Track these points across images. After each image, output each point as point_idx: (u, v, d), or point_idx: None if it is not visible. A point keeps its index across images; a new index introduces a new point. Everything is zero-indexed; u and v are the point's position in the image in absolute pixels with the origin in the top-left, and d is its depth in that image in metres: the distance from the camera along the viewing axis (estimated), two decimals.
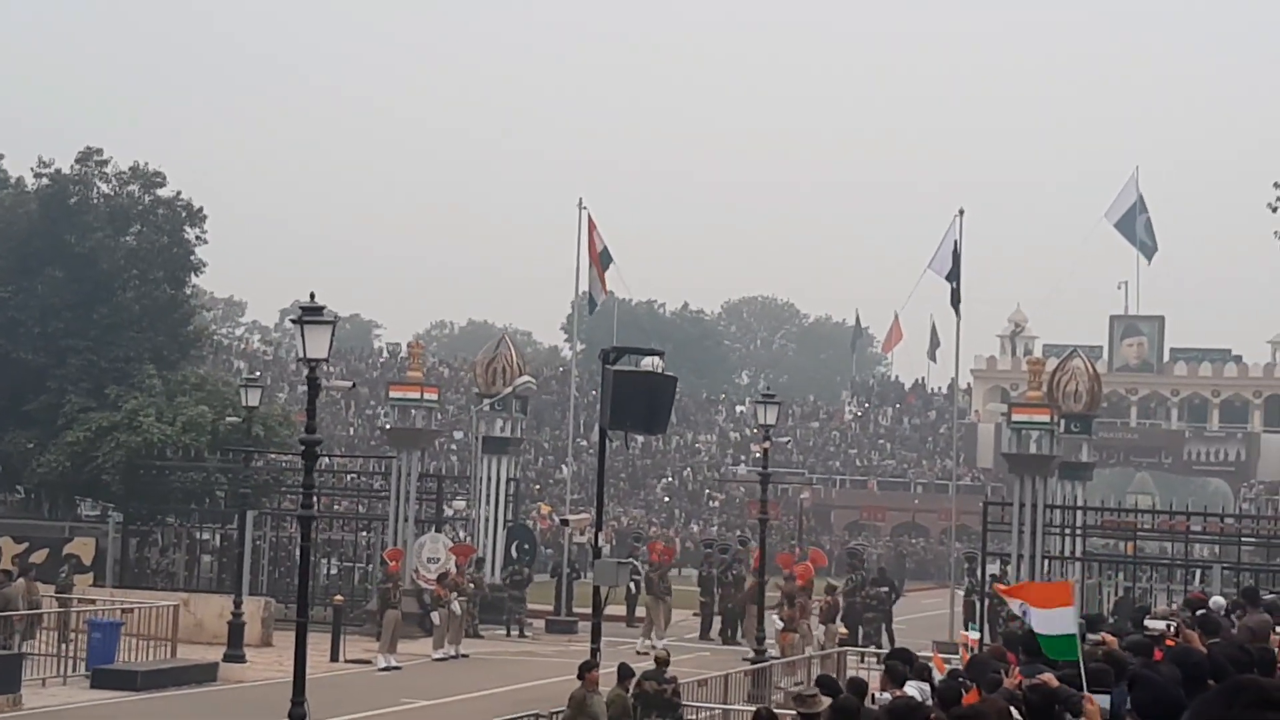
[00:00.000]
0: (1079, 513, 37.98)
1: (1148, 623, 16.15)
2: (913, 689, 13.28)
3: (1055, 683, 10.70)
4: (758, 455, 35.53)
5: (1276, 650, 12.37)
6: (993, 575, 37.91)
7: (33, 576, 34.23)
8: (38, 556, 39.46)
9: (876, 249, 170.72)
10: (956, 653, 25.65)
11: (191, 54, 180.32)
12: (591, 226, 45.26)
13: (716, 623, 41.59)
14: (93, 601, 34.24)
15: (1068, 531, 37.48)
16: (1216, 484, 79.38)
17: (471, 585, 38.17)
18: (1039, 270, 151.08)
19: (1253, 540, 41.47)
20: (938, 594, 49.89)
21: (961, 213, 41.28)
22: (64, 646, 30.51)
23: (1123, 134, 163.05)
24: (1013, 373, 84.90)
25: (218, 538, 43.45)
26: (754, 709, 14.27)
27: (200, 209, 49.52)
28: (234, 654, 31.89)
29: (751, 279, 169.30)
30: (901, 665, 14.40)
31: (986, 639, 33.53)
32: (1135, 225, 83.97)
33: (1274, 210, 41.35)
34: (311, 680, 22.00)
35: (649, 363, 22.80)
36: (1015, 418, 38.01)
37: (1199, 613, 17.65)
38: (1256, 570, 36.56)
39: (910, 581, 59.89)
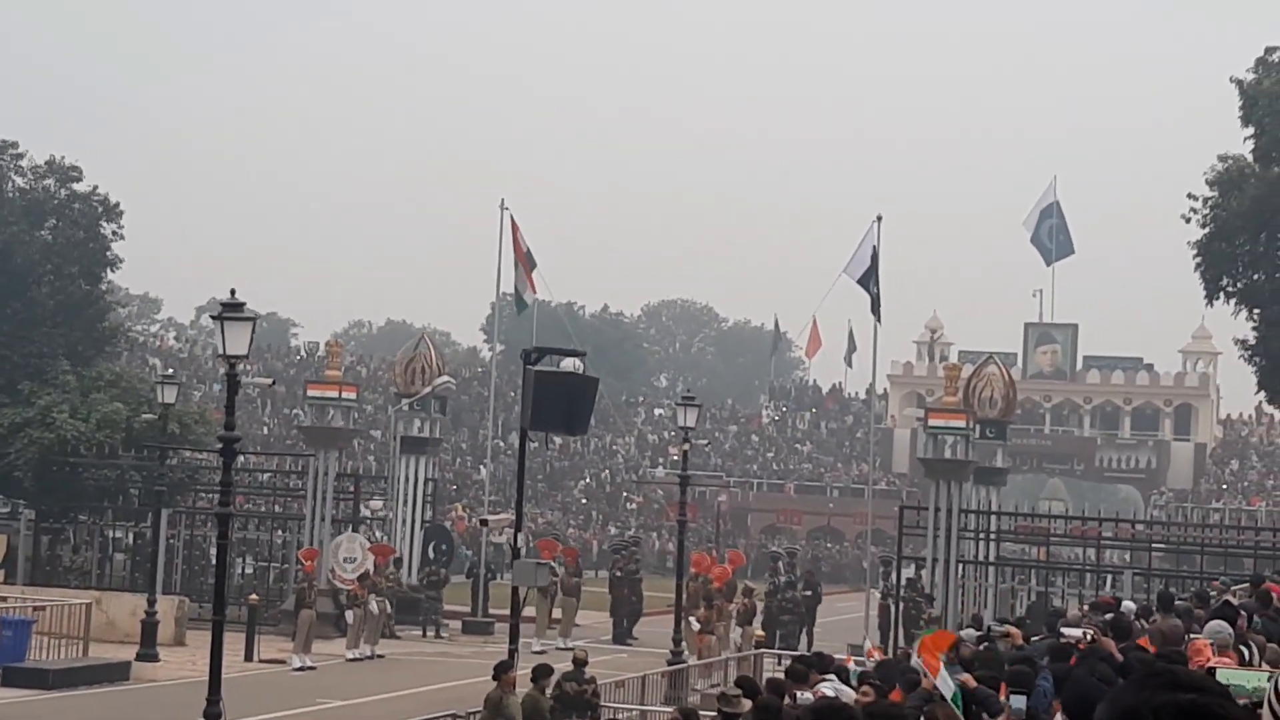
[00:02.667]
0: (993, 518, 38.38)
1: (1064, 630, 16.36)
2: (828, 689, 13.41)
3: (973, 683, 10.84)
4: (676, 458, 35.66)
5: (1189, 655, 12.59)
6: (908, 579, 38.26)
7: None
8: None
9: (796, 254, 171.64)
10: (864, 656, 25.84)
11: (108, 47, 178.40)
12: (515, 228, 45.24)
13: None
14: (3, 599, 33.77)
15: (982, 536, 37.86)
16: (1127, 491, 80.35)
17: (389, 585, 38.05)
18: (957, 277, 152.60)
19: (1162, 546, 42.09)
20: (853, 597, 50.22)
21: (879, 219, 41.57)
22: None
23: (1041, 143, 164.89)
24: (929, 379, 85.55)
25: (131, 536, 43.06)
26: (672, 709, 14.34)
27: (117, 204, 49.07)
28: (147, 653, 31.60)
29: (671, 282, 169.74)
30: (804, 666, 14.57)
31: (902, 642, 33.89)
32: (1042, 230, 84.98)
33: (1187, 221, 41.92)
34: (226, 680, 21.82)
35: (570, 364, 22.86)
36: (931, 423, 38.38)
37: (1109, 617, 17.92)
38: (1166, 576, 37.09)
39: (826, 585, 60.19)
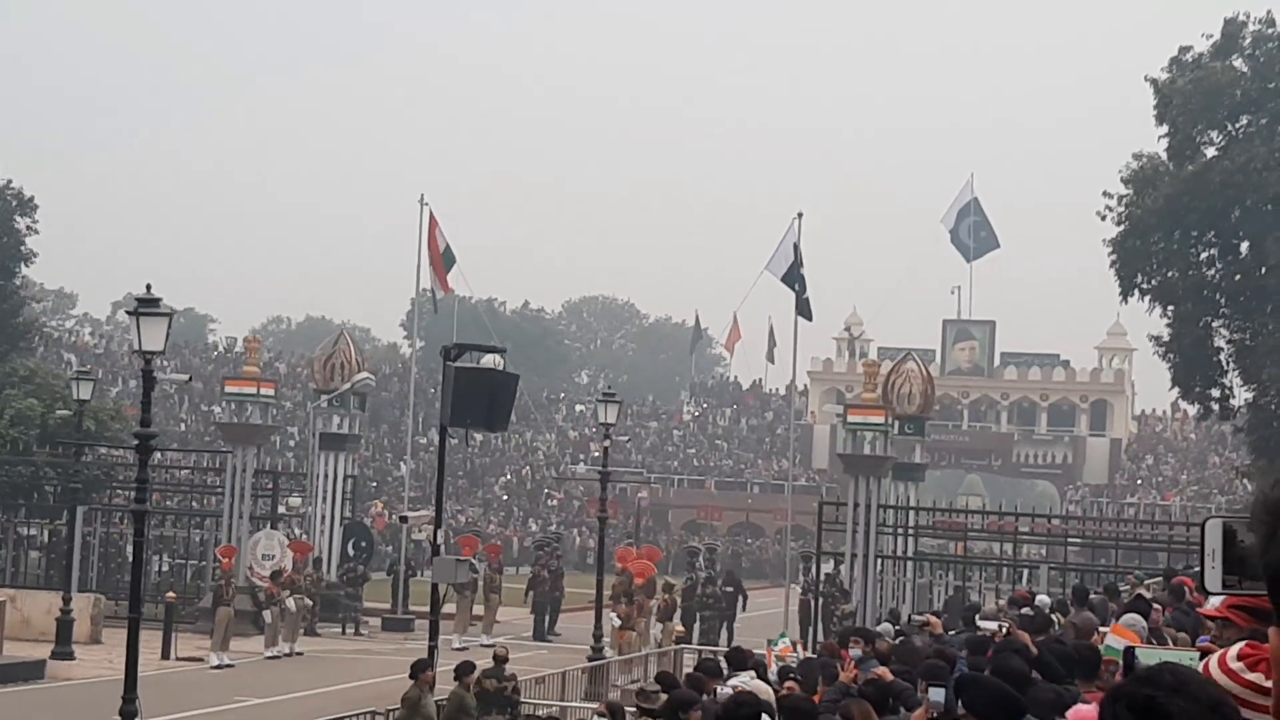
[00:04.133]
0: (911, 513, 38.67)
1: (980, 623, 16.54)
2: (744, 683, 13.47)
3: (890, 676, 10.94)
4: (597, 454, 35.70)
5: (1100, 648, 12.75)
6: (827, 574, 38.47)
7: None
8: None
9: (716, 251, 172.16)
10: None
11: (19, 35, 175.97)
12: (433, 224, 45.03)
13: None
14: None
15: (900, 531, 38.14)
16: (1044, 486, 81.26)
17: (310, 584, 37.86)
18: (876, 273, 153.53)
19: (1078, 541, 42.59)
20: (773, 593, 50.42)
21: (800, 216, 41.68)
22: None
23: (960, 139, 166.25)
24: (848, 375, 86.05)
25: (46, 533, 42.54)
26: (599, 705, 14.38)
27: (31, 198, 48.53)
28: (62, 651, 31.27)
29: (592, 279, 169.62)
30: (715, 664, 14.65)
31: (821, 636, 34.08)
32: (960, 228, 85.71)
33: (1103, 218, 42.43)
34: (143, 678, 21.66)
35: (490, 360, 22.85)
36: (850, 419, 38.62)
37: (1024, 611, 18.12)
38: (1082, 570, 37.51)
39: (746, 581, 60.35)
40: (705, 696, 13.24)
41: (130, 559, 26.81)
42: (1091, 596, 21.54)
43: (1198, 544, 2.96)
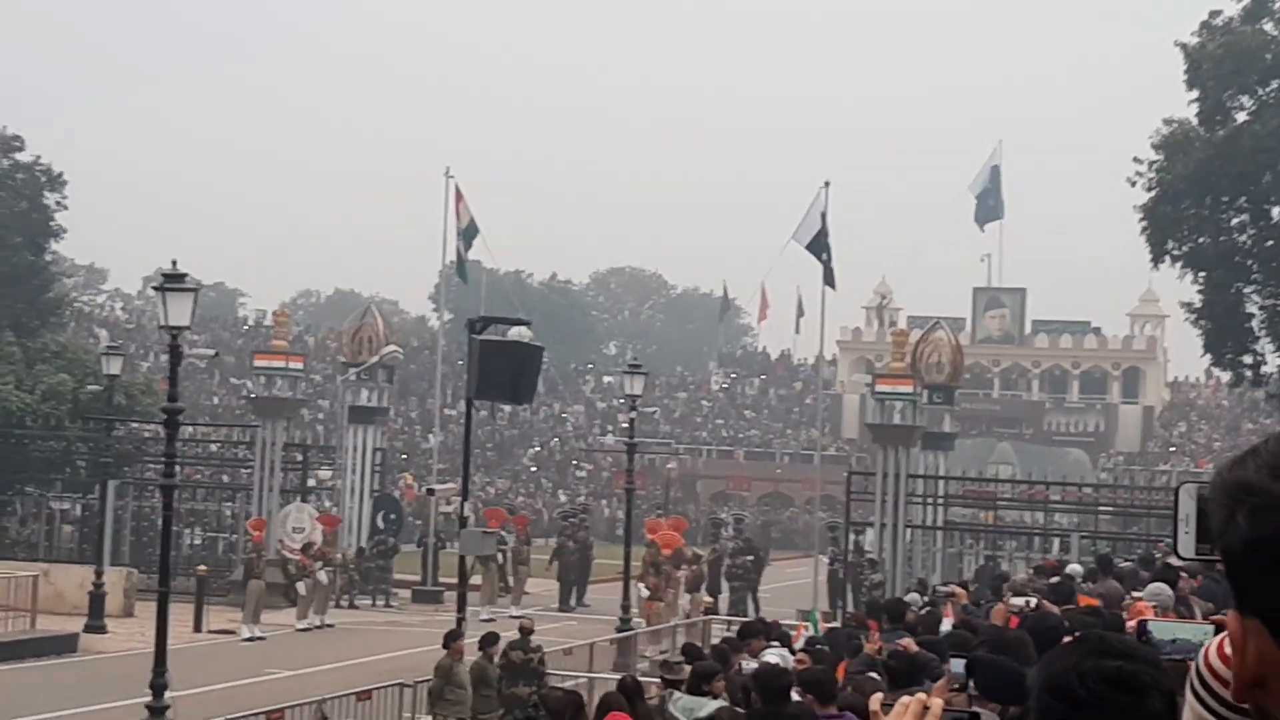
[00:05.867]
0: (941, 482, 38.58)
1: (1011, 600, 16.47)
2: (774, 655, 13.46)
3: (915, 648, 10.91)
4: (625, 425, 35.68)
5: (1125, 617, 12.70)
6: (856, 544, 38.45)
7: None
8: None
9: (745, 220, 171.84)
10: (816, 621, 25.95)
11: (46, 15, 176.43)
12: (458, 197, 45.07)
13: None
14: None
15: (930, 501, 38.06)
16: (1076, 454, 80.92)
17: (340, 556, 38.06)
18: (905, 241, 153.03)
19: (1110, 509, 42.41)
20: (803, 563, 50.39)
21: (827, 185, 41.54)
22: None
23: (990, 104, 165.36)
24: (877, 344, 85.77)
25: (79, 508, 42.80)
26: (619, 677, 14.39)
27: (60, 174, 48.71)
28: (95, 625, 31.47)
29: (620, 250, 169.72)
30: (757, 625, 14.60)
31: (850, 606, 34.05)
32: (988, 197, 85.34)
33: (1133, 184, 42.13)
34: (174, 651, 21.80)
35: (517, 332, 22.83)
36: (879, 389, 38.49)
37: (1053, 580, 18.05)
38: (1114, 539, 37.40)
39: (775, 551, 60.38)
40: (733, 670, 13.25)
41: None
42: (1121, 565, 21.47)
43: None
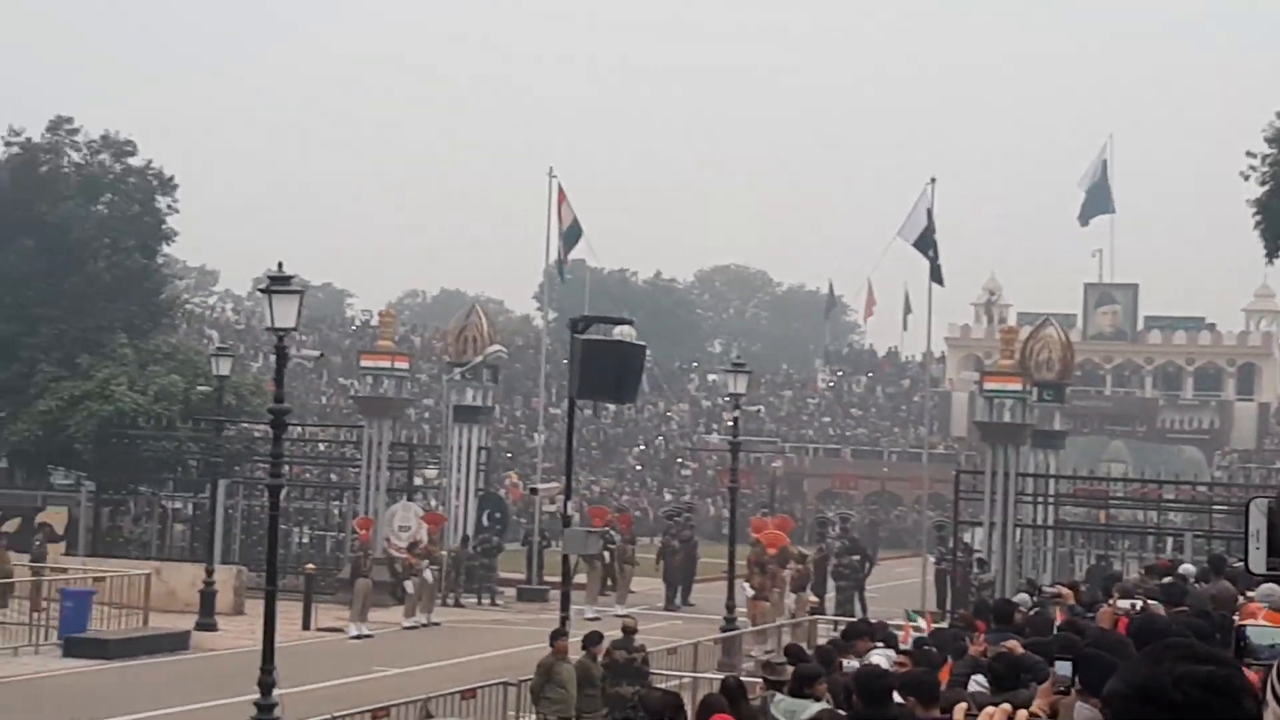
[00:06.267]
0: (1051, 481, 38.10)
1: (1117, 602, 16.17)
2: (879, 656, 13.32)
3: (1020, 649, 10.72)
4: (729, 424, 35.56)
5: (1238, 619, 12.41)
6: (964, 543, 38.07)
7: (5, 545, 34.22)
8: (10, 525, 39.48)
9: (850, 217, 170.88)
10: (923, 621, 25.73)
11: (160, 21, 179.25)
12: (561, 197, 45.18)
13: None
14: (65, 570, 34.18)
15: (1040, 500, 37.60)
16: (1190, 452, 79.61)
17: (445, 554, 38.25)
18: (1015, 237, 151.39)
19: (1225, 508, 41.64)
20: (911, 562, 50.04)
21: (933, 181, 41.17)
22: (36, 615, 30.46)
23: (1099, 99, 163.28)
24: (986, 341, 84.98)
25: (190, 506, 43.40)
26: (723, 677, 14.30)
27: (171, 178, 49.36)
28: (206, 622, 31.85)
29: (724, 248, 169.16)
30: (863, 625, 14.43)
31: (960, 607, 33.67)
32: (1097, 191, 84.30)
33: (1246, 179, 41.39)
34: (283, 648, 21.99)
35: (620, 331, 22.81)
36: (987, 386, 38.06)
37: (1165, 580, 17.71)
38: (1228, 538, 36.68)
39: (884, 550, 60.01)
40: (837, 673, 13.11)
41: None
42: (1234, 565, 21.02)
43: None
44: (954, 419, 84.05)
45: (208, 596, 32.36)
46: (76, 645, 28.91)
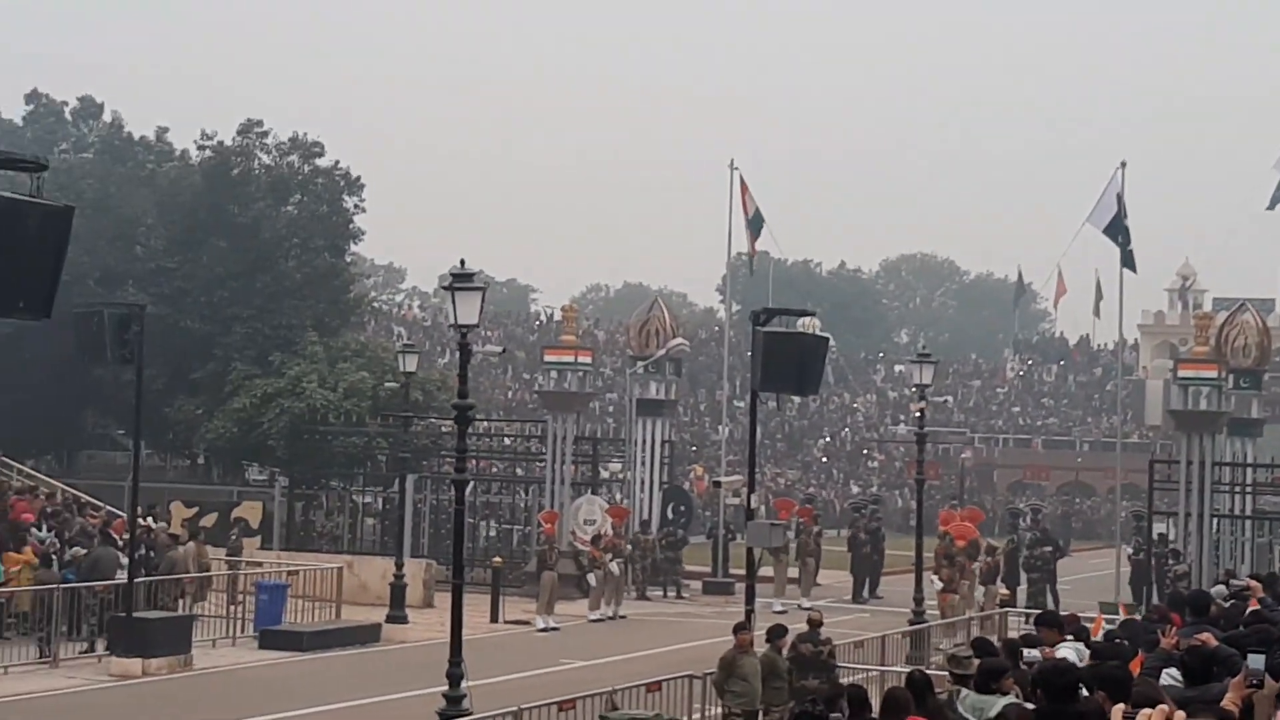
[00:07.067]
0: (1249, 470, 37.13)
1: None
2: (1068, 650, 13.03)
3: (1214, 643, 10.39)
4: (916, 415, 35.15)
5: None
6: (1160, 534, 37.23)
7: (202, 540, 35.05)
8: (207, 520, 40.43)
9: (1038, 203, 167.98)
10: (1117, 613, 25.15)
11: (346, 26, 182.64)
12: (743, 189, 45.08)
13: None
14: (260, 564, 34.96)
15: (1237, 489, 36.65)
16: None
17: (630, 547, 38.38)
18: (1210, 221, 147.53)
19: None
20: (1105, 554, 49.08)
21: (1124, 165, 40.42)
22: (233, 608, 31.14)
23: None
24: (1181, 328, 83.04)
25: (380, 501, 44.13)
26: (909, 670, 14.09)
27: (358, 178, 50.16)
28: (396, 615, 32.32)
29: (910, 237, 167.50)
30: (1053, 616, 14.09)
31: (1155, 598, 32.96)
32: None
33: None
34: (471, 641, 22.16)
35: (804, 323, 22.63)
36: (1182, 374, 37.12)
37: None
38: None
39: (1076, 541, 58.98)
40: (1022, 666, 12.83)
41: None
42: None
43: None
44: (1148, 408, 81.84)
45: (398, 590, 32.85)
46: (272, 637, 29.52)
